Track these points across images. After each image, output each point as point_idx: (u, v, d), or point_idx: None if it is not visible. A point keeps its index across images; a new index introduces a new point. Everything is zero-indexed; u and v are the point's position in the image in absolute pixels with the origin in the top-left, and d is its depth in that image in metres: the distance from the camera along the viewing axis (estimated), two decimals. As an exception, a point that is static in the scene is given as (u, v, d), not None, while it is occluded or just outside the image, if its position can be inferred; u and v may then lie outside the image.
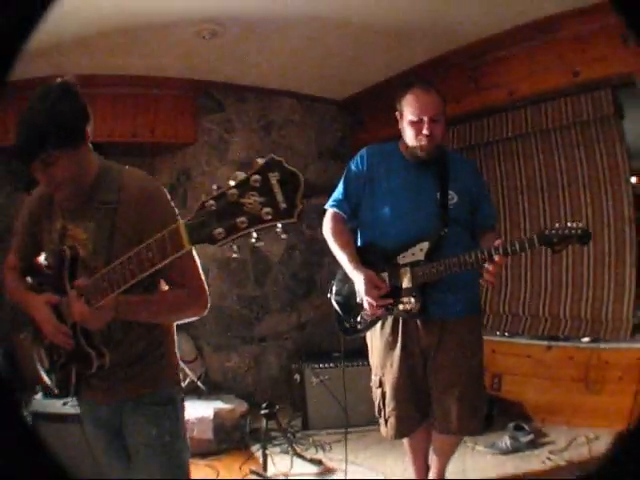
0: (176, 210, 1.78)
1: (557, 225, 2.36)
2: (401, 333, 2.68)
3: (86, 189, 1.74)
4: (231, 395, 4.29)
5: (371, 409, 2.92)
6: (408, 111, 2.60)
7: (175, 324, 1.91)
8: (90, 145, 1.75)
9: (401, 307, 2.61)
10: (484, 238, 2.66)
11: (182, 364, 2.25)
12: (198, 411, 3.75)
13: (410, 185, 2.67)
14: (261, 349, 4.99)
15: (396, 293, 2.61)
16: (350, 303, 2.78)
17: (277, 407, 3.73)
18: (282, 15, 3.50)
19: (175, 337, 1.93)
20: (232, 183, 1.20)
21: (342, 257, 2.72)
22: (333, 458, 3.67)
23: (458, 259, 2.47)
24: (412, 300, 2.58)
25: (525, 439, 3.55)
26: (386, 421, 2.80)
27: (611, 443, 3.28)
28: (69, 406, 3.19)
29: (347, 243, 2.75)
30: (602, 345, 3.74)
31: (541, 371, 4.01)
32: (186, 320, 1.82)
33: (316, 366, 4.24)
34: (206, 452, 3.65)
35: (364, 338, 2.92)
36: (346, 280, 2.78)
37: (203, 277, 1.78)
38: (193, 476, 1.95)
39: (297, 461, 3.61)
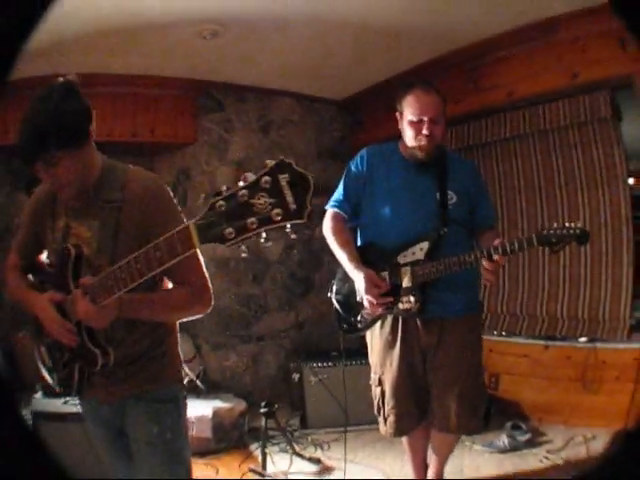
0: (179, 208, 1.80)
1: (555, 225, 2.39)
2: (401, 332, 2.70)
3: (90, 188, 1.74)
4: (230, 394, 4.29)
5: (370, 408, 2.94)
6: (408, 111, 2.62)
7: (178, 322, 1.92)
8: (93, 144, 1.75)
9: (401, 306, 2.63)
10: (483, 237, 2.69)
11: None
12: (197, 410, 3.76)
13: (410, 185, 2.69)
14: (259, 348, 5.00)
15: (396, 292, 2.63)
16: (350, 302, 2.80)
17: (276, 406, 3.74)
18: (282, 15, 3.51)
19: (178, 335, 1.94)
20: (242, 184, 1.21)
21: (342, 256, 2.73)
22: (332, 457, 3.69)
23: (458, 258, 2.49)
24: (412, 299, 2.60)
25: (523, 438, 3.57)
26: (385, 419, 2.82)
27: (609, 443, 3.32)
28: (69, 405, 3.20)
29: (347, 242, 2.77)
30: (599, 345, 3.75)
31: (538, 371, 4.03)
32: (190, 318, 1.82)
33: (315, 365, 4.26)
34: (205, 451, 3.67)
35: (363, 337, 2.94)
36: (346, 279, 2.80)
37: (207, 275, 1.79)
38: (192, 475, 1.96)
39: (296, 460, 3.62)
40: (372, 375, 2.88)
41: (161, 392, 1.83)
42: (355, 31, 3.82)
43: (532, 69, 3.83)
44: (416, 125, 2.60)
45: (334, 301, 2.88)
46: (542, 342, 4.08)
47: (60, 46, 3.44)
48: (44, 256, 1.89)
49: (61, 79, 1.65)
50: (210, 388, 4.40)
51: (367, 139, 5.20)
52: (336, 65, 4.49)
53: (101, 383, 1.78)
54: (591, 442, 3.46)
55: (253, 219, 1.19)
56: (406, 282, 2.62)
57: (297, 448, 3.78)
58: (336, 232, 2.78)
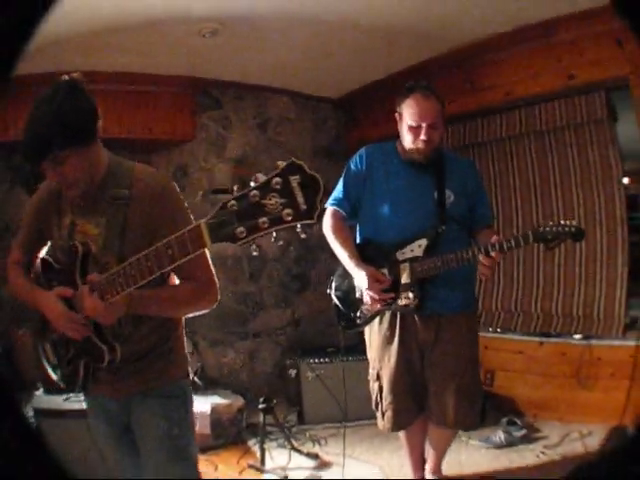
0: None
1: (551, 222, 2.45)
2: (399, 328, 2.74)
3: (97, 185, 1.74)
4: (227, 390, 4.31)
5: (367, 404, 2.98)
6: (408, 116, 2.65)
7: (183, 318, 1.93)
8: (99, 142, 1.75)
9: (400, 302, 2.67)
10: (481, 235, 2.73)
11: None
12: (195, 406, 3.76)
13: (408, 184, 2.73)
14: (256, 345, 5.03)
15: (395, 288, 2.67)
16: (350, 298, 2.84)
17: (274, 401, 3.77)
18: (280, 14, 3.52)
19: (183, 331, 1.95)
20: (253, 184, 1.23)
21: (342, 254, 2.77)
22: (329, 452, 3.72)
23: (455, 255, 2.54)
24: (410, 295, 2.64)
25: (518, 434, 3.61)
26: (383, 414, 2.86)
27: (605, 439, 3.36)
28: (71, 402, 3.21)
29: (347, 240, 2.80)
30: (594, 342, 3.79)
31: (533, 367, 4.06)
32: (196, 313, 1.83)
33: (312, 361, 4.29)
34: (204, 447, 3.67)
35: (360, 333, 2.98)
36: (346, 276, 2.84)
37: (214, 271, 1.80)
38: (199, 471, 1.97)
39: (294, 455, 3.64)
40: (370, 370, 2.92)
41: (168, 388, 1.84)
42: (352, 30, 3.83)
43: (529, 70, 3.87)
44: (415, 130, 2.64)
45: (334, 297, 2.92)
46: (537, 339, 4.11)
47: (59, 44, 3.43)
48: (44, 252, 1.88)
49: (66, 77, 1.64)
50: (208, 384, 4.42)
51: (362, 137, 5.26)
52: (333, 64, 4.52)
53: (108, 379, 1.79)
54: (587, 438, 3.50)
55: (264, 219, 1.22)
56: (405, 278, 2.66)
57: (295, 443, 3.80)
58: (336, 230, 2.81)
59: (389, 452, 3.63)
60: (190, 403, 1.93)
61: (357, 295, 2.79)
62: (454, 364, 2.71)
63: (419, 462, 3.08)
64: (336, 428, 3.95)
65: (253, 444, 3.87)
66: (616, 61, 3.38)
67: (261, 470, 3.48)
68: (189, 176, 4.83)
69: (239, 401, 4.07)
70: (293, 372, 4.42)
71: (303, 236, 1.31)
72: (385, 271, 2.70)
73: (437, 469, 3.03)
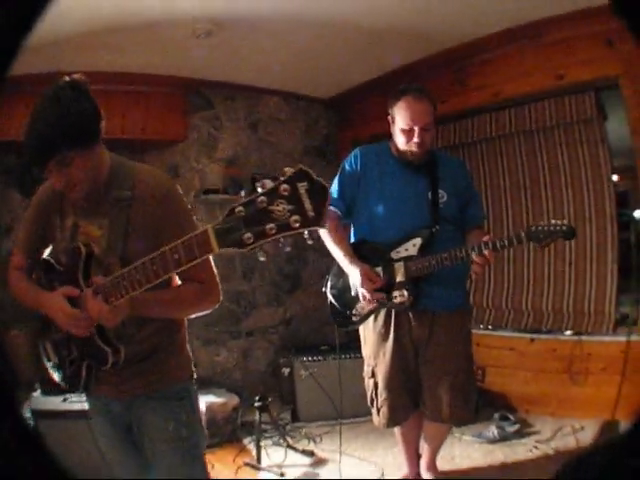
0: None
1: (544, 222, 2.49)
2: (393, 325, 2.77)
3: (99, 186, 1.73)
4: (222, 389, 4.33)
5: (361, 401, 3.00)
6: (400, 118, 2.68)
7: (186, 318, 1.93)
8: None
9: (394, 300, 2.70)
10: (472, 234, 2.77)
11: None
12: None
13: (402, 184, 2.76)
14: (249, 343, 5.04)
15: (390, 287, 2.70)
16: (345, 296, 2.87)
17: (269, 400, 3.79)
18: (274, 15, 3.54)
19: (186, 331, 1.95)
20: (260, 190, 1.24)
21: (337, 253, 2.80)
22: (324, 449, 3.74)
23: (449, 254, 2.58)
24: (405, 293, 2.68)
25: (511, 429, 3.65)
26: (378, 410, 2.89)
27: (597, 433, 3.41)
28: (68, 403, 3.21)
29: (342, 239, 2.83)
30: (585, 338, 3.84)
31: (525, 363, 4.11)
32: (199, 314, 1.83)
33: (305, 359, 4.31)
34: (199, 446, 3.68)
35: (354, 332, 3.01)
36: (341, 274, 2.87)
37: (216, 272, 1.80)
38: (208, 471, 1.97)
39: (289, 452, 3.67)
40: (365, 367, 2.95)
41: (173, 389, 1.84)
42: (343, 31, 3.86)
43: (519, 70, 3.92)
44: (407, 133, 2.67)
45: (329, 296, 2.95)
46: (528, 335, 4.16)
47: (52, 43, 3.40)
48: (46, 254, 1.85)
49: (67, 78, 1.63)
50: (201, 384, 4.41)
51: (353, 137, 5.30)
52: (324, 64, 4.55)
53: (111, 380, 1.78)
54: (579, 433, 3.54)
55: (272, 225, 1.22)
56: (399, 277, 2.70)
57: (290, 441, 3.82)
58: (331, 229, 2.83)
59: (384, 449, 3.66)
60: (196, 403, 1.92)
61: (352, 293, 2.83)
62: (448, 360, 2.74)
63: (414, 457, 3.12)
64: (330, 425, 3.98)
65: (248, 442, 3.89)
66: (606, 61, 3.44)
67: (257, 468, 3.50)
68: (181, 176, 4.82)
69: (234, 400, 4.08)
70: (286, 370, 4.44)
71: (310, 242, 1.32)
72: (380, 270, 2.73)
73: (432, 464, 3.08)
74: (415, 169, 2.75)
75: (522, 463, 3.31)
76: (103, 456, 2.01)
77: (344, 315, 2.89)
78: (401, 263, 2.69)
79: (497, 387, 4.22)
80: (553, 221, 2.48)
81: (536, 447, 3.45)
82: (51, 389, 3.27)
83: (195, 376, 1.96)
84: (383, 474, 3.33)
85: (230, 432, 3.95)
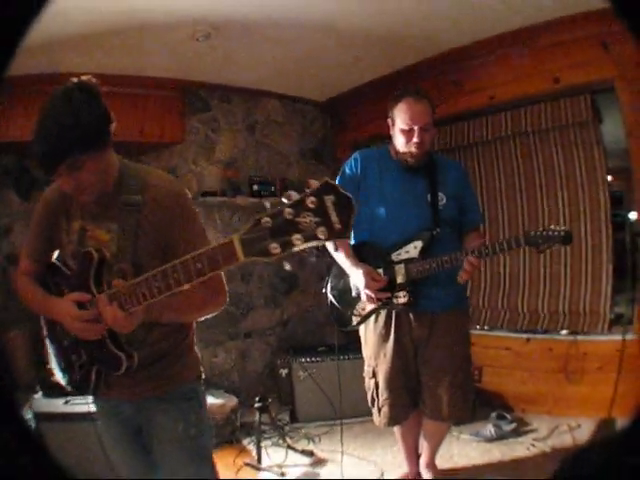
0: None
1: (542, 227, 2.55)
2: (394, 326, 2.82)
3: (109, 190, 1.73)
4: (220, 390, 4.34)
5: (359, 401, 3.03)
6: (400, 119, 2.72)
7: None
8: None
9: (395, 301, 2.75)
10: (469, 237, 2.84)
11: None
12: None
13: (402, 187, 2.80)
14: (247, 345, 5.06)
15: (391, 288, 2.74)
16: (346, 297, 2.91)
17: (269, 400, 3.81)
18: (272, 18, 3.56)
19: (194, 333, 1.96)
20: (287, 202, 1.25)
21: (339, 255, 2.83)
22: (324, 449, 3.77)
23: (450, 257, 2.63)
24: (406, 294, 2.72)
25: (508, 427, 3.69)
26: (379, 410, 2.93)
27: (594, 431, 3.45)
28: (71, 405, 3.21)
29: (344, 242, 2.86)
30: (580, 337, 3.89)
31: (521, 363, 4.15)
32: (207, 316, 1.84)
33: (303, 360, 4.34)
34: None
35: (350, 333, 3.06)
36: (341, 275, 2.91)
37: (223, 276, 1.80)
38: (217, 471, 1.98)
39: (289, 453, 3.69)
40: (366, 368, 2.99)
41: (183, 390, 1.85)
42: (339, 35, 3.88)
43: (515, 73, 3.96)
44: (407, 133, 2.71)
45: (330, 296, 2.99)
46: (524, 335, 4.20)
47: (50, 45, 3.40)
48: (54, 257, 1.85)
49: (75, 80, 1.61)
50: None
51: (349, 139, 5.34)
52: (321, 67, 4.57)
53: (121, 383, 1.77)
54: (576, 431, 3.59)
55: (298, 236, 1.23)
56: (400, 279, 2.74)
57: (289, 441, 3.85)
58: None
59: (383, 448, 3.69)
60: (204, 404, 1.94)
61: (353, 294, 2.87)
62: (447, 360, 2.79)
63: (414, 456, 3.16)
64: (329, 426, 4.01)
65: (247, 443, 3.92)
66: (601, 64, 3.49)
67: (258, 468, 3.53)
68: (178, 178, 4.83)
69: (232, 401, 4.10)
70: (284, 371, 4.47)
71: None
72: (380, 271, 2.77)
73: (431, 462, 3.12)
74: (414, 172, 2.79)
75: (519, 461, 3.35)
76: (108, 458, 2.02)
77: (344, 316, 2.93)
78: (402, 265, 2.74)
79: (494, 387, 4.26)
80: (551, 226, 2.53)
81: (533, 445, 3.49)
82: (53, 391, 3.27)
83: (203, 376, 1.97)
84: (383, 473, 3.36)
85: (229, 433, 3.97)
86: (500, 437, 3.63)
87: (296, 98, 5.40)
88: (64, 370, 1.86)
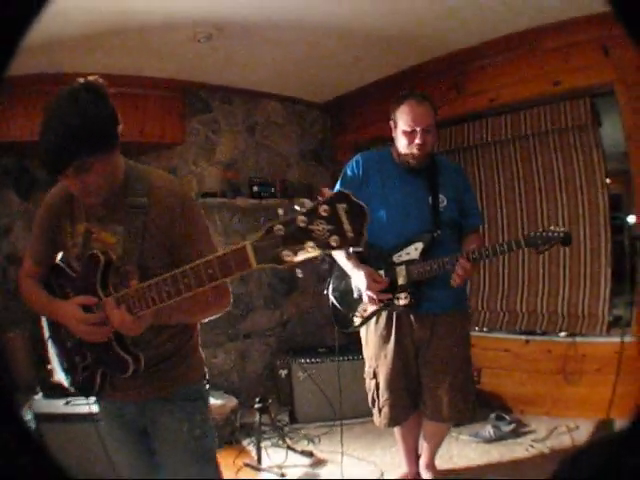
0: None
1: (542, 228, 2.58)
2: (395, 327, 2.84)
3: (115, 192, 1.71)
4: (220, 391, 4.35)
5: (358, 402, 3.04)
6: (402, 121, 2.74)
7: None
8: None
9: (396, 302, 2.76)
10: (468, 239, 2.86)
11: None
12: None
13: (403, 189, 2.82)
14: (246, 345, 5.07)
15: (392, 289, 2.76)
16: (347, 299, 2.93)
17: (269, 401, 3.82)
18: (274, 20, 3.57)
19: (199, 334, 1.96)
20: (300, 209, 1.26)
21: (341, 256, 2.85)
22: (323, 450, 3.79)
23: (450, 258, 2.64)
24: (407, 296, 2.74)
25: (507, 428, 3.71)
26: (380, 410, 2.95)
27: (593, 432, 3.47)
28: (71, 406, 3.21)
29: None
30: (579, 339, 3.91)
31: (520, 364, 4.17)
32: (211, 318, 1.84)
33: (303, 361, 4.35)
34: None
35: (351, 335, 3.07)
36: (342, 277, 2.93)
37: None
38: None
39: (289, 453, 3.70)
40: (366, 369, 3.01)
41: (188, 391, 1.86)
42: (340, 37, 3.91)
43: (515, 76, 3.99)
44: (409, 135, 2.73)
45: (331, 298, 3.00)
46: (523, 337, 4.22)
47: (50, 45, 3.39)
48: (58, 258, 1.83)
49: (81, 80, 1.59)
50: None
51: (348, 141, 5.36)
52: (321, 70, 4.60)
53: (127, 384, 1.77)
54: (574, 432, 3.61)
55: (311, 243, 1.24)
56: (401, 280, 2.76)
57: (289, 442, 3.86)
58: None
59: (382, 448, 3.71)
60: (208, 404, 1.94)
61: (355, 296, 2.88)
62: (448, 361, 2.81)
63: (413, 457, 3.18)
64: (328, 426, 4.02)
65: (247, 444, 3.93)
66: (601, 68, 3.51)
67: (258, 469, 3.54)
68: (179, 179, 4.84)
69: (232, 401, 4.11)
70: (283, 372, 4.48)
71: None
72: (382, 273, 2.78)
73: (431, 463, 3.13)
74: (416, 174, 2.81)
75: (518, 462, 3.37)
76: (109, 459, 2.01)
77: (346, 317, 2.94)
78: (403, 267, 2.75)
79: (493, 388, 4.28)
80: (551, 227, 2.56)
81: (532, 446, 3.51)
82: (53, 392, 3.27)
83: (207, 377, 1.97)
84: (383, 474, 3.38)
85: (229, 434, 3.98)
86: (499, 438, 3.65)
87: (296, 100, 5.42)
88: (66, 371, 1.85)
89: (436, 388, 2.82)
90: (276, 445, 3.87)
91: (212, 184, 4.88)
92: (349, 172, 2.92)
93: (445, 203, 2.80)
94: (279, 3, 3.38)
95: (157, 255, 1.70)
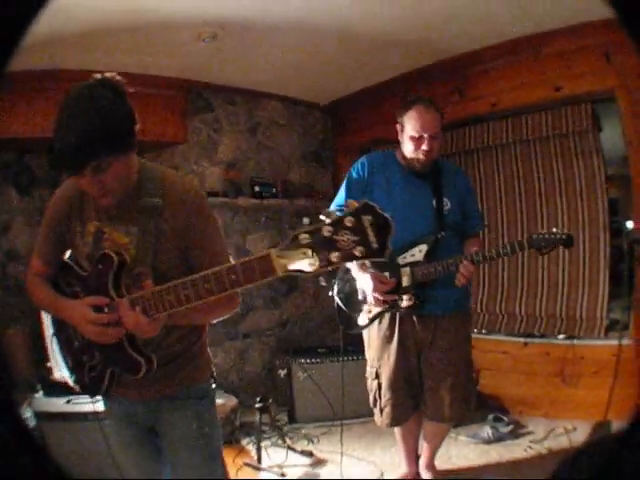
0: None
1: (544, 231, 2.62)
2: (398, 328, 2.87)
3: (129, 192, 1.69)
4: (220, 390, 4.36)
5: (358, 402, 3.06)
6: (410, 126, 2.77)
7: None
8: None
9: (401, 304, 2.79)
10: (468, 243, 2.91)
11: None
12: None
13: (408, 192, 2.85)
14: (246, 345, 5.09)
15: (396, 291, 2.79)
16: (352, 300, 2.96)
17: (270, 401, 3.84)
18: (278, 21, 3.58)
19: (207, 334, 1.97)
20: (326, 220, 1.27)
21: None
22: (323, 450, 3.81)
23: (454, 260, 2.67)
24: (411, 297, 2.77)
25: (506, 429, 3.75)
26: (381, 410, 2.98)
27: (590, 434, 3.51)
28: (73, 404, 3.19)
29: None
30: (577, 342, 3.95)
31: (518, 366, 4.20)
32: (219, 319, 1.85)
33: (302, 361, 4.37)
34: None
35: (350, 335, 3.11)
36: (347, 279, 2.96)
37: None
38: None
39: (289, 453, 3.72)
40: (369, 369, 3.04)
41: (196, 389, 1.87)
42: (343, 40, 3.93)
43: (517, 81, 4.02)
44: (417, 140, 2.76)
45: (336, 299, 3.03)
46: (521, 339, 4.26)
47: (54, 42, 3.37)
48: (67, 256, 1.82)
49: (99, 76, 1.56)
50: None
51: (349, 142, 5.38)
52: (323, 71, 4.62)
53: (135, 384, 1.75)
54: (572, 433, 3.65)
55: (337, 253, 1.25)
56: (406, 282, 2.79)
57: (289, 442, 3.88)
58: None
59: (382, 449, 3.74)
60: (215, 403, 1.96)
61: (359, 297, 2.91)
62: (450, 362, 2.85)
63: (413, 457, 3.21)
64: (327, 427, 4.04)
65: (247, 443, 3.95)
66: (603, 74, 3.55)
67: (258, 468, 3.56)
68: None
69: (232, 401, 4.12)
70: (283, 372, 4.50)
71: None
72: (386, 274, 2.81)
73: (430, 463, 3.16)
74: (421, 177, 2.84)
75: (517, 462, 3.40)
76: (113, 458, 2.00)
77: (351, 318, 2.97)
78: (407, 268, 2.78)
79: (491, 389, 4.30)
80: (554, 230, 2.60)
81: (530, 447, 3.55)
82: (54, 390, 3.25)
83: (215, 375, 1.98)
84: (382, 474, 3.40)
85: (229, 433, 3.99)
86: (497, 439, 3.68)
87: (298, 101, 5.44)
88: (72, 369, 1.85)
89: (437, 389, 2.85)
90: (276, 445, 3.88)
91: (214, 184, 4.89)
92: (354, 174, 2.94)
93: (449, 206, 2.84)
94: (283, 5, 3.40)
95: (171, 256, 1.70)
